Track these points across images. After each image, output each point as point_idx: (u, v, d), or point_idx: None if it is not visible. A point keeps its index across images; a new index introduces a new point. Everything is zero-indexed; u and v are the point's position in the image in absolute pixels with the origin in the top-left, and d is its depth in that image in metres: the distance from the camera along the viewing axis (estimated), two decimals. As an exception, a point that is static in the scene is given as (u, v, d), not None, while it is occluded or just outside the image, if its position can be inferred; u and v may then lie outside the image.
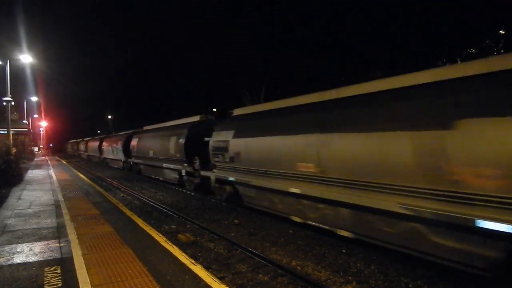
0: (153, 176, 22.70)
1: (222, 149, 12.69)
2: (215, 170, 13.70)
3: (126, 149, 28.16)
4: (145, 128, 26.42)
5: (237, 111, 13.72)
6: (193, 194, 16.70)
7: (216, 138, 13.41)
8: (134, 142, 25.89)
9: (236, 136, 12.04)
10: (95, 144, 44.63)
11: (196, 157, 15.97)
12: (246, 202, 12.17)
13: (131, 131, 29.78)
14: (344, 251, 7.99)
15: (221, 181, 13.36)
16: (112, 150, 34.00)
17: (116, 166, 34.05)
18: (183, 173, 17.31)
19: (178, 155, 17.33)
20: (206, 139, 14.54)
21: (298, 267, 7.11)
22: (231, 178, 12.33)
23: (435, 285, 6.20)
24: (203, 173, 14.95)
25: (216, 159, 13.34)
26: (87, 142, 54.53)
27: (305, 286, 6.24)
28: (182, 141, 16.86)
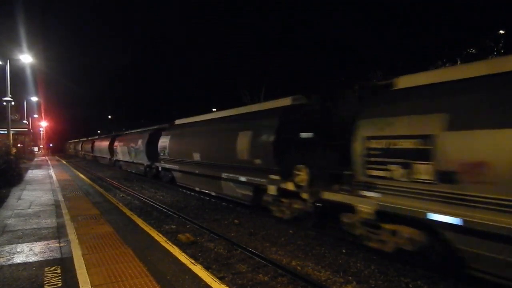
0: (197, 189, 16.39)
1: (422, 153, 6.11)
2: (375, 195, 7.06)
3: (151, 150, 21.78)
4: (179, 122, 19.45)
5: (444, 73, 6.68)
6: (192, 194, 16.69)
7: (387, 131, 6.77)
8: (164, 141, 19.05)
9: None
10: (104, 144, 37.27)
11: (301, 166, 9.37)
12: None
13: (155, 127, 23.17)
14: (344, 251, 7.99)
15: (392, 217, 6.90)
16: (129, 151, 26.79)
17: (134, 171, 27.52)
18: (272, 192, 10.50)
19: (257, 161, 10.90)
20: (304, 135, 9.97)
21: (298, 267, 7.11)
22: (455, 221, 5.64)
23: (435, 285, 6.20)
24: (330, 196, 8.29)
25: (381, 172, 6.84)
26: (93, 141, 46.70)
27: (305, 286, 6.24)
28: (268, 138, 10.40)
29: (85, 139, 61.44)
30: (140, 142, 23.91)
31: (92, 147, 45.96)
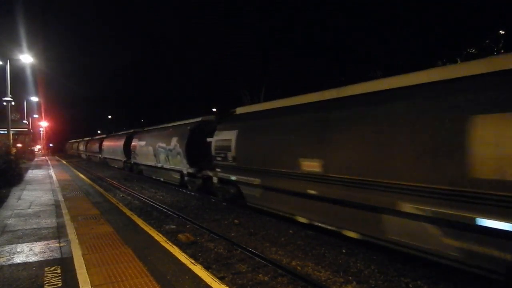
0: (303, 220, 9.44)
1: None
2: None
3: (194, 152, 16.23)
4: (250, 109, 12.90)
5: None
6: (192, 194, 16.65)
7: None
8: (223, 139, 12.82)
9: None
10: (117, 143, 30.95)
11: None
12: None
13: (198, 120, 16.94)
14: (344, 251, 7.99)
15: None
16: (155, 153, 20.76)
17: (163, 179, 21.08)
18: None
19: None
20: None
21: (298, 267, 7.11)
22: None
23: (435, 285, 6.20)
24: None
25: None
26: (101, 141, 39.61)
27: (305, 286, 6.24)
28: None
29: (89, 138, 55.35)
30: (175, 141, 17.64)
31: (100, 148, 39.17)
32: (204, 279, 5.07)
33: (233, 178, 12.32)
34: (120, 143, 29.90)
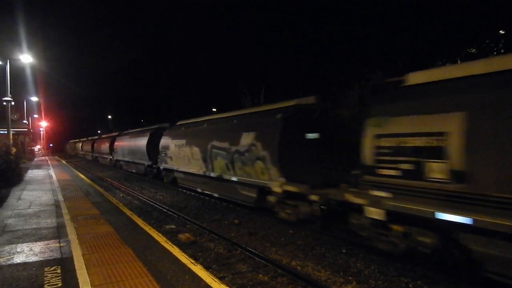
0: None
1: None
2: None
3: (294, 156, 10.05)
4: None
5: None
6: (192, 194, 16.67)
7: None
8: (428, 134, 5.70)
9: None
10: (137, 144, 24.96)
11: None
12: None
13: (289, 104, 10.86)
14: (344, 251, 7.99)
15: None
16: (205, 157, 14.38)
17: (217, 195, 14.38)
18: None
19: None
20: None
21: (298, 267, 7.12)
22: None
23: (435, 285, 6.20)
24: None
25: None
26: (113, 140, 33.50)
27: (305, 286, 6.24)
28: None
29: (97, 137, 49.49)
30: (249, 138, 11.39)
31: (112, 148, 33.44)
32: (204, 279, 5.07)
33: (458, 219, 5.39)
34: (141, 142, 23.75)
